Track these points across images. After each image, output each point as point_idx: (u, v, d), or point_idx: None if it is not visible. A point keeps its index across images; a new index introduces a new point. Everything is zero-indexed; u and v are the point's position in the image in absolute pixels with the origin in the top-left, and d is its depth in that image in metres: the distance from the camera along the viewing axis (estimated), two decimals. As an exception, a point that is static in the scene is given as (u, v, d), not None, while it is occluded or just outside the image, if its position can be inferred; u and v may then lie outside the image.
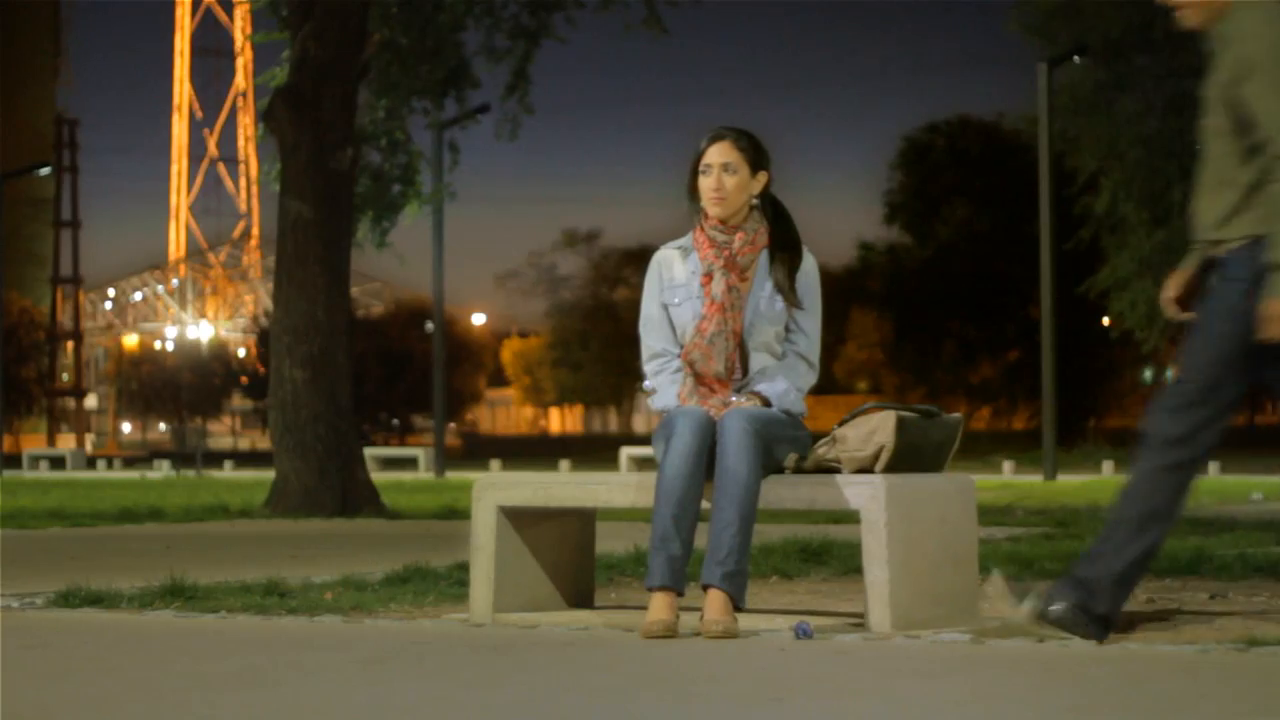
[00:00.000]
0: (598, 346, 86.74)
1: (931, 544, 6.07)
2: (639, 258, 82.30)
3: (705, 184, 6.24)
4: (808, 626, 5.81)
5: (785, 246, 6.27)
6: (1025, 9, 38.46)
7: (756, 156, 6.25)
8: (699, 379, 6.21)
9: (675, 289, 6.29)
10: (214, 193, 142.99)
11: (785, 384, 6.21)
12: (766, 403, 6.15)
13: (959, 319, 61.44)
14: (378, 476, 24.87)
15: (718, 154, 6.24)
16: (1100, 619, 5.57)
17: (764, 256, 6.26)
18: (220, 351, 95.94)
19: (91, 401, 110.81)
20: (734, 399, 6.16)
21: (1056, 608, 5.58)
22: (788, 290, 6.22)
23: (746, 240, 6.25)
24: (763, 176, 6.28)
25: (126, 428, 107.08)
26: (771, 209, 6.31)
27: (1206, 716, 4.10)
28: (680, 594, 5.90)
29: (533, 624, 6.24)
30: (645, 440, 61.17)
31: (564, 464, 43.81)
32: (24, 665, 5.26)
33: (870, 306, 71.53)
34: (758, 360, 6.23)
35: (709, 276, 6.23)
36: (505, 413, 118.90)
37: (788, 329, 6.26)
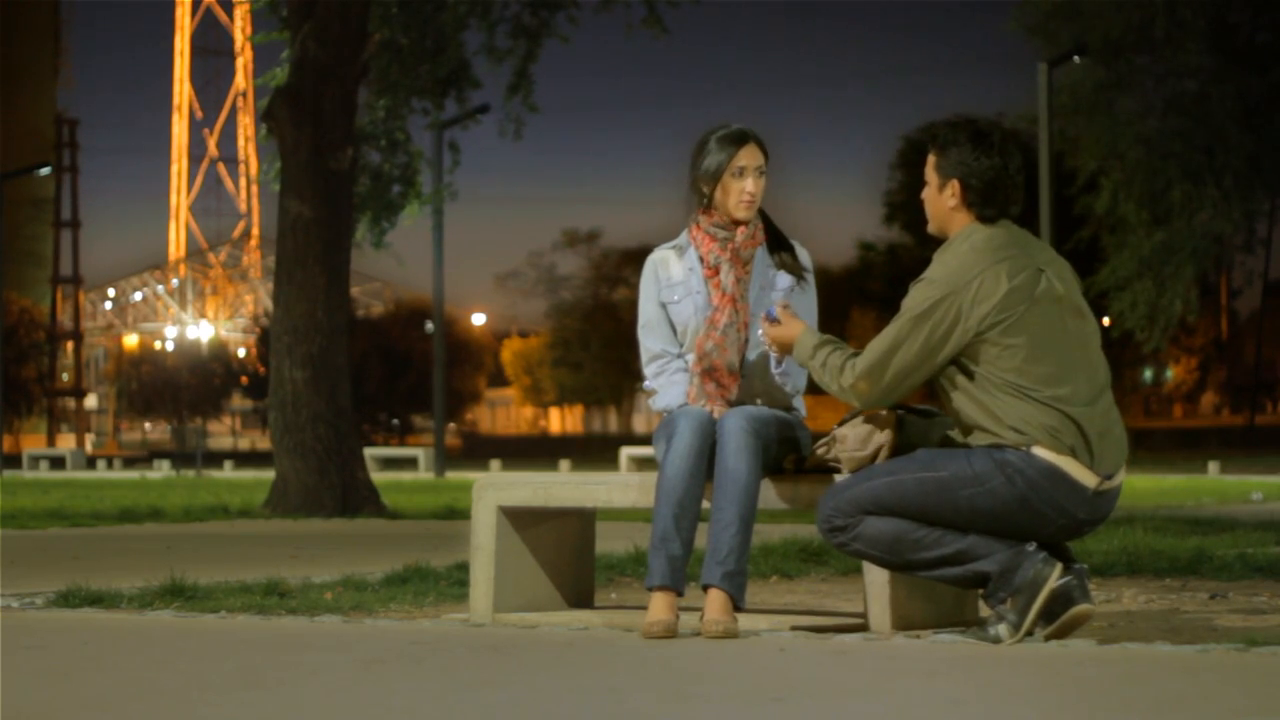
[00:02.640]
0: (598, 346, 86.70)
1: (931, 544, 6.06)
2: (639, 258, 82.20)
3: (739, 187, 6.18)
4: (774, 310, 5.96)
5: (782, 241, 6.30)
6: (1025, 9, 38.51)
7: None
8: (709, 374, 6.19)
9: (674, 287, 6.28)
10: (214, 193, 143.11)
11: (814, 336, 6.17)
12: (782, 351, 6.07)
13: (959, 319, 61.33)
14: (378, 476, 24.89)
15: (751, 157, 6.18)
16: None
17: (760, 251, 6.27)
18: (220, 351, 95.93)
19: (91, 401, 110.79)
20: (773, 306, 6.07)
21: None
22: (792, 263, 6.24)
23: (748, 234, 6.25)
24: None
25: (148, 427, 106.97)
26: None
27: (1206, 716, 4.10)
28: (680, 594, 5.90)
29: (533, 624, 6.24)
30: (645, 440, 61.19)
31: (564, 464, 43.84)
32: (24, 665, 5.25)
33: (870, 306, 71.48)
34: (756, 352, 6.23)
35: (714, 270, 6.23)
36: (505, 413, 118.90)
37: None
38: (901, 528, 5.64)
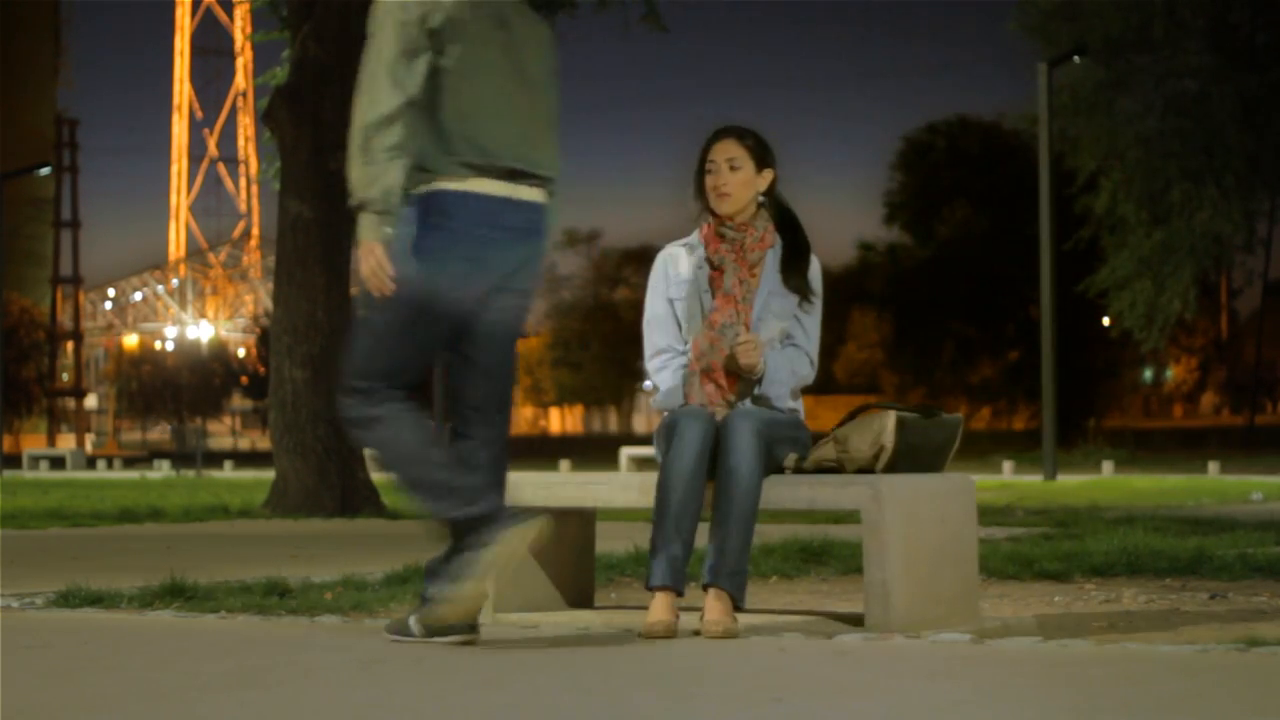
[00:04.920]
0: (598, 346, 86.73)
1: (931, 544, 6.07)
2: (639, 258, 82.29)
3: (710, 181, 6.25)
4: None
5: (799, 253, 6.28)
6: (1025, 9, 38.50)
7: (761, 154, 6.26)
8: (707, 374, 6.19)
9: (682, 284, 6.29)
10: (214, 193, 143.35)
11: (797, 351, 6.24)
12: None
13: (959, 319, 61.49)
14: (378, 476, 24.85)
15: (722, 151, 6.25)
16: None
17: (771, 254, 6.27)
18: (220, 351, 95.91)
19: (91, 401, 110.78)
20: (741, 335, 6.12)
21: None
22: (803, 286, 6.24)
23: (756, 237, 6.25)
24: (768, 174, 6.28)
25: (168, 429, 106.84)
26: (780, 214, 6.31)
27: (1206, 716, 4.10)
28: (680, 594, 5.90)
29: (533, 624, 6.24)
30: (645, 440, 61.17)
31: (564, 464, 43.80)
32: (24, 665, 5.25)
33: (870, 306, 71.49)
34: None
35: (719, 270, 6.24)
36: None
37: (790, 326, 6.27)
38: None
